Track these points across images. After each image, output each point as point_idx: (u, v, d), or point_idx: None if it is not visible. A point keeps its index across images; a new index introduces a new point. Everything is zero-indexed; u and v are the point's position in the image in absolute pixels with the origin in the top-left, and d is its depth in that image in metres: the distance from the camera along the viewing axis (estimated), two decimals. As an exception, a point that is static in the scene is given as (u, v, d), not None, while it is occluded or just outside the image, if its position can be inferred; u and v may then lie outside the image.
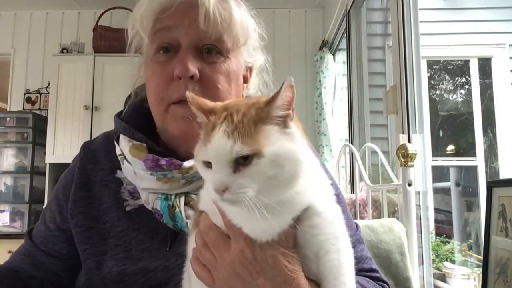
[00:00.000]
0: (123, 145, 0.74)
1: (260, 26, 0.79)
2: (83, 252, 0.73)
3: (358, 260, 0.54)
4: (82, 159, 0.80)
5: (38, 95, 3.73)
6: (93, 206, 0.75)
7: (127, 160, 0.72)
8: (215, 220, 0.53)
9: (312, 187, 0.50)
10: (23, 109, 3.69)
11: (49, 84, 3.59)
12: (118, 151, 0.75)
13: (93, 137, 0.91)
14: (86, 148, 0.82)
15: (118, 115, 0.80)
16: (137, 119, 0.78)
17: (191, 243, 0.57)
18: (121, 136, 0.76)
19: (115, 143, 0.77)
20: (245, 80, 0.80)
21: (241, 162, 0.44)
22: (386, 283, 0.75)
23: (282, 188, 0.46)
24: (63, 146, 3.28)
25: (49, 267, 0.77)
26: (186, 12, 0.69)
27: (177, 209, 0.67)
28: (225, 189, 0.44)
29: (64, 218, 0.76)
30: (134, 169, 0.70)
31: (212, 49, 0.70)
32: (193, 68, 0.67)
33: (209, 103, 0.52)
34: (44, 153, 3.30)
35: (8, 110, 3.75)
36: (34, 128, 3.35)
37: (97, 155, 0.80)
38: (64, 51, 3.42)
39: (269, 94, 0.83)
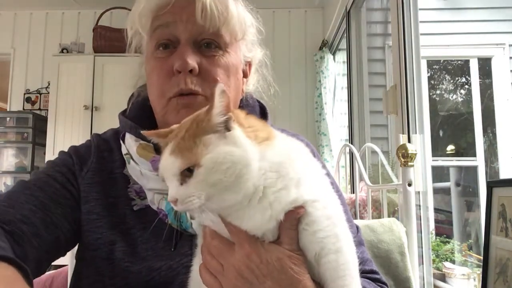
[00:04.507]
0: (130, 144, 0.73)
1: (258, 21, 0.79)
2: (95, 241, 0.70)
3: (359, 262, 0.54)
4: (97, 145, 0.78)
5: (38, 95, 3.73)
6: (105, 195, 0.73)
7: (133, 160, 0.71)
8: (218, 229, 0.54)
9: (298, 181, 0.50)
10: (23, 109, 3.69)
11: (49, 84, 3.59)
12: (124, 150, 0.74)
13: (93, 137, 0.89)
14: (98, 136, 0.81)
15: (123, 113, 0.79)
16: (142, 117, 0.77)
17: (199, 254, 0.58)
18: (127, 135, 0.75)
19: (121, 142, 0.76)
20: (245, 75, 0.80)
21: (187, 174, 0.47)
22: (386, 284, 0.75)
23: (233, 192, 0.47)
24: (63, 146, 3.22)
25: (56, 234, 0.67)
26: (183, 7, 0.69)
27: None
28: (175, 200, 0.47)
29: (75, 199, 0.72)
30: (141, 169, 0.70)
31: (211, 43, 0.71)
32: (192, 62, 0.68)
33: (167, 129, 0.54)
34: (44, 153, 3.30)
35: (8, 110, 3.76)
36: (34, 128, 3.35)
37: (110, 144, 0.79)
38: (64, 51, 3.42)
39: (269, 89, 0.84)
